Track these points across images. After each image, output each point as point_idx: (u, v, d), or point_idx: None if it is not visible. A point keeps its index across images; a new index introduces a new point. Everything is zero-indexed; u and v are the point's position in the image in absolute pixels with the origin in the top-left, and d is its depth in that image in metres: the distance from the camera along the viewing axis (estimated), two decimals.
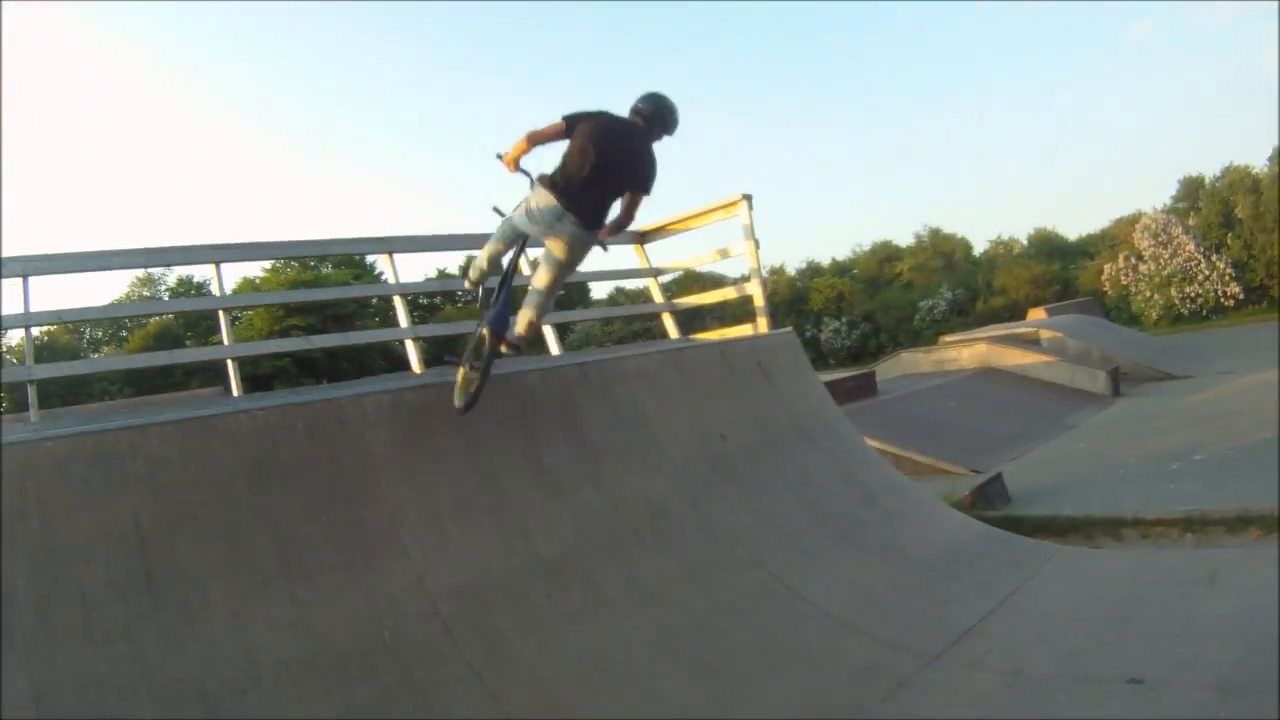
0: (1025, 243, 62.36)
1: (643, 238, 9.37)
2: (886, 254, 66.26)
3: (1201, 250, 40.93)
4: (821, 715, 4.46)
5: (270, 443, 4.60)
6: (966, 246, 64.94)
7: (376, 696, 3.97)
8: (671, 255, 17.77)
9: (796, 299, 59.59)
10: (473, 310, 9.92)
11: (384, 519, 4.68)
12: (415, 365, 7.67)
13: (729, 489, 6.28)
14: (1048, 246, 58.70)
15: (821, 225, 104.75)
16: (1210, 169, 51.37)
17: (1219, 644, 4.91)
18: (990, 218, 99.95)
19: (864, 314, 57.25)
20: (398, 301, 7.90)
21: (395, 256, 7.89)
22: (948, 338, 32.45)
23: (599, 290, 56.20)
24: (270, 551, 4.25)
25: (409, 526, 4.75)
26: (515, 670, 4.35)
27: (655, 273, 9.40)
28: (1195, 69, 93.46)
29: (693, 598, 5.23)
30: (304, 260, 45.49)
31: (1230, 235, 41.21)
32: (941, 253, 63.57)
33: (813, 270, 65.82)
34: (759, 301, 8.64)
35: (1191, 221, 42.71)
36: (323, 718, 3.81)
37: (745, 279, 8.89)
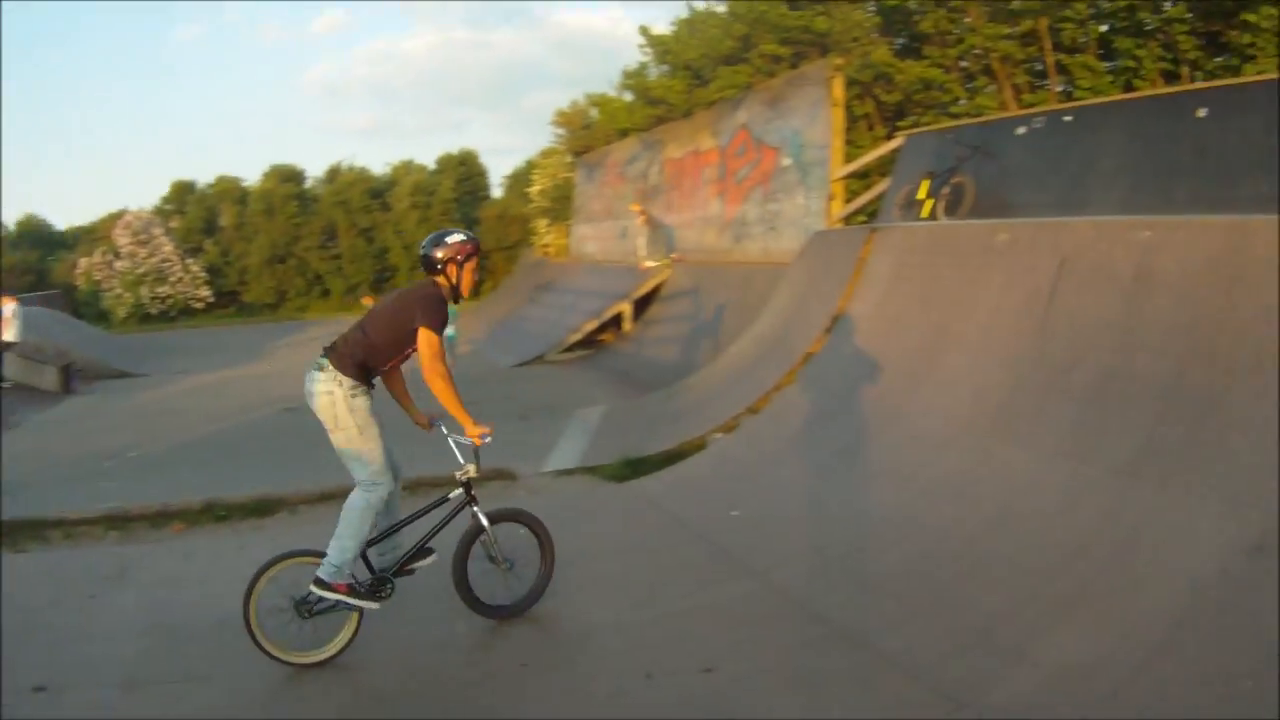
0: (14, 228, 56.10)
1: None
2: None
3: (179, 253, 41.98)
4: None
5: None
6: None
7: None
8: None
9: None
10: None
11: None
12: None
13: None
14: (35, 235, 53.68)
15: None
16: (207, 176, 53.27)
17: (120, 641, 5.07)
18: None
19: None
20: None
21: None
22: None
23: None
24: None
25: None
26: None
27: None
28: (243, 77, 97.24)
29: None
30: None
31: (210, 241, 43.37)
32: None
33: None
34: None
35: (174, 224, 43.62)
36: None
37: None
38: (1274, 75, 9.75)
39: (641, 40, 25.18)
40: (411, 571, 4.94)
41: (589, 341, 19.89)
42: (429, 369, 4.56)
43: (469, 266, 4.79)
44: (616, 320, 20.00)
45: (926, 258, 8.53)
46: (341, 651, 4.70)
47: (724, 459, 8.12)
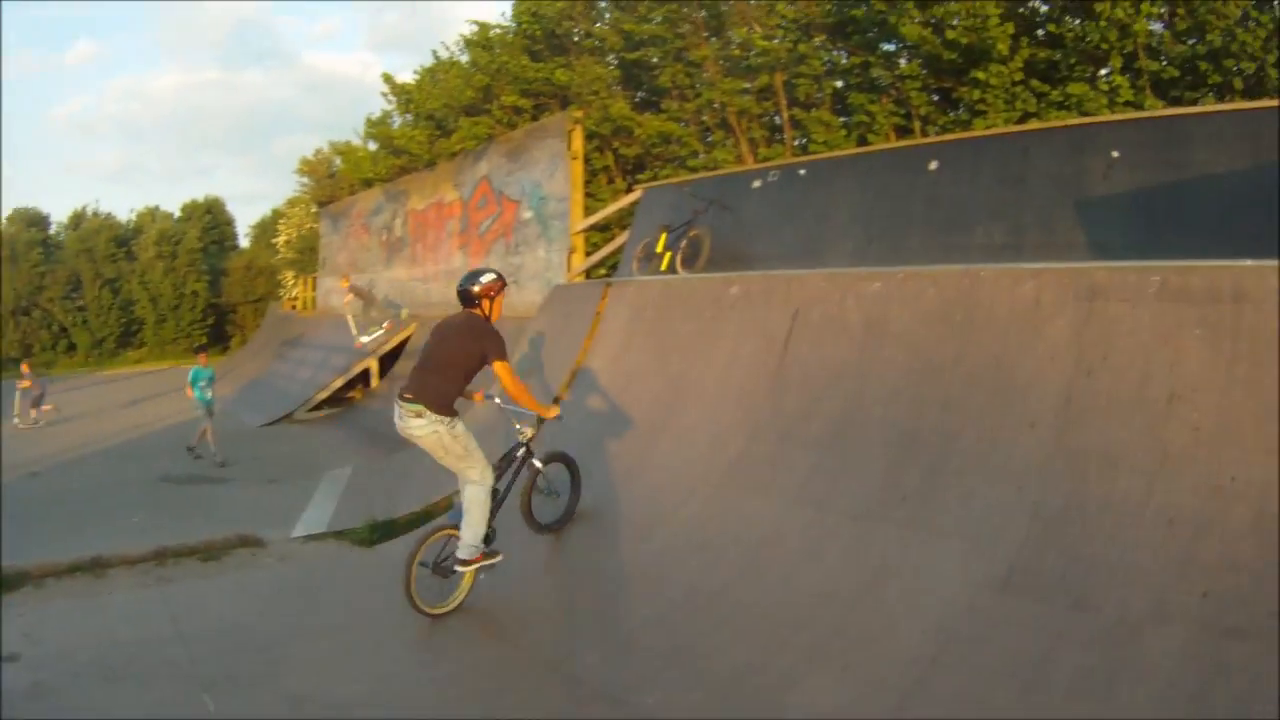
0: None
1: None
2: None
3: None
4: None
5: None
6: None
7: None
8: None
9: None
10: None
11: None
12: None
13: None
14: None
15: None
16: None
17: None
18: None
19: None
20: None
21: None
22: None
23: None
24: None
25: None
26: None
27: None
28: None
29: None
30: None
31: None
32: None
33: None
34: None
35: None
36: None
37: None
38: (1003, 129, 10.20)
39: (385, 88, 24.21)
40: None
41: (338, 399, 19.43)
42: (514, 390, 5.83)
43: (498, 300, 5.95)
44: (365, 376, 19.53)
45: (661, 311, 8.44)
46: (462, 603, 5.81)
47: None
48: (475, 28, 20.28)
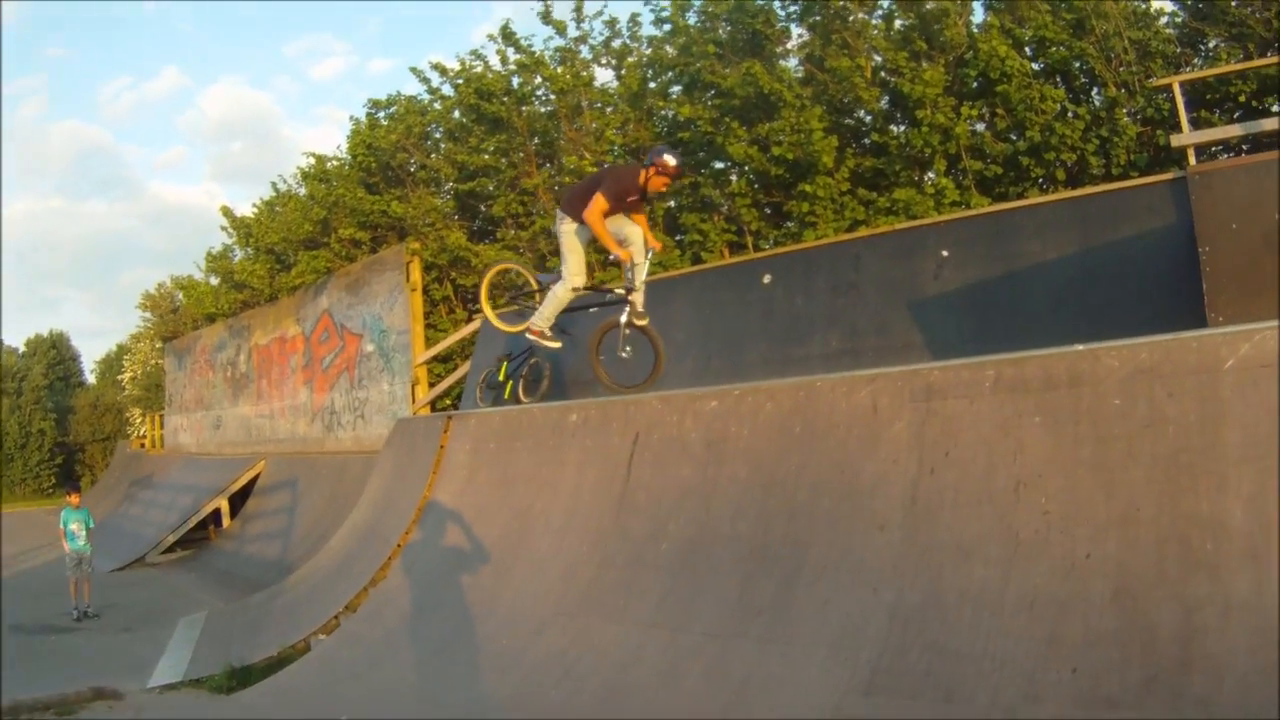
0: None
1: None
2: None
3: None
4: None
5: None
6: None
7: None
8: None
9: None
10: None
11: None
12: None
13: None
14: None
15: None
16: None
17: None
18: None
19: None
20: None
21: None
22: None
23: None
24: None
25: None
26: None
27: None
28: None
29: None
30: None
31: None
32: None
33: None
34: None
35: None
36: None
37: None
38: (833, 238, 10.36)
39: (224, 221, 23.42)
40: None
41: (190, 540, 18.59)
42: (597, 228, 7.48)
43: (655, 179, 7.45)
44: (217, 516, 18.71)
45: (503, 442, 8.25)
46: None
47: (328, 661, 7.62)
48: (312, 160, 19.95)
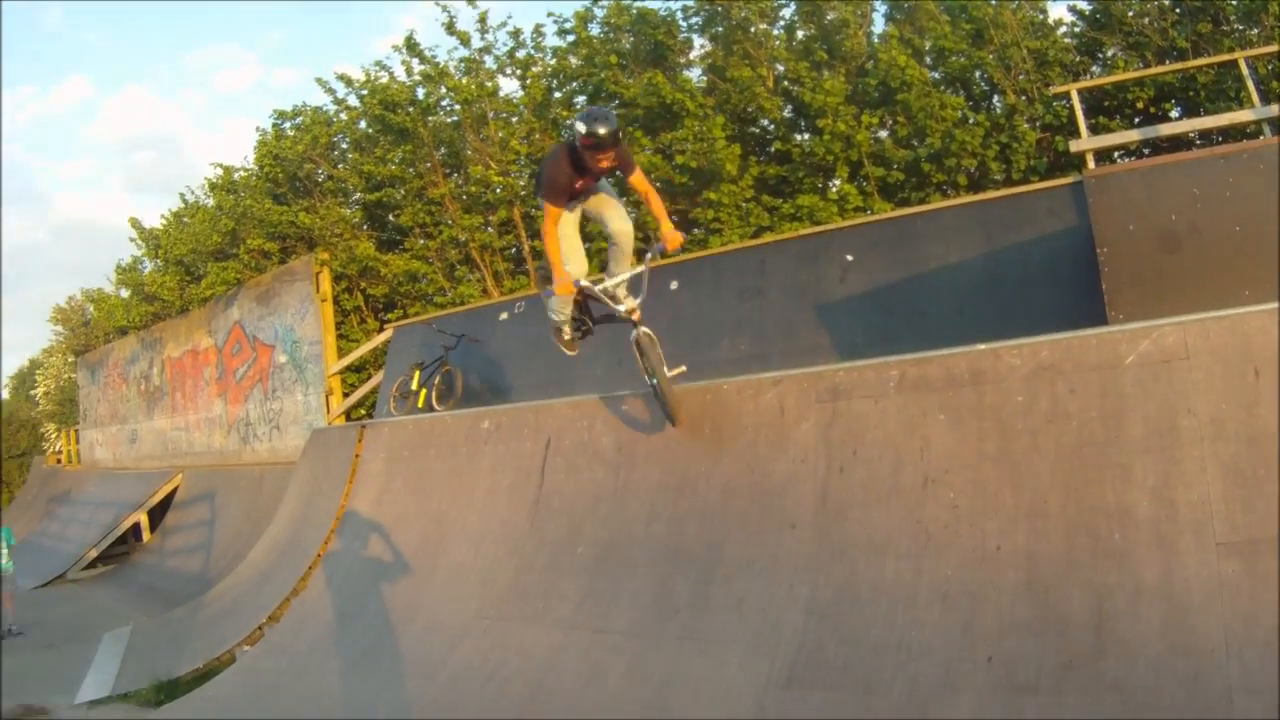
0: None
1: None
2: None
3: None
4: None
5: None
6: None
7: None
8: None
9: None
10: None
11: None
12: None
13: None
14: None
15: None
16: None
17: None
18: None
19: None
20: None
21: None
22: None
23: None
24: None
25: None
26: None
27: None
28: None
29: None
30: None
31: None
32: None
33: None
34: None
35: None
36: None
37: None
38: (738, 244, 10.38)
39: (133, 233, 22.35)
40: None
41: (111, 555, 17.91)
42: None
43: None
44: (137, 530, 18.08)
45: (417, 450, 8.13)
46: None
47: (253, 672, 7.49)
48: (219, 171, 19.09)
